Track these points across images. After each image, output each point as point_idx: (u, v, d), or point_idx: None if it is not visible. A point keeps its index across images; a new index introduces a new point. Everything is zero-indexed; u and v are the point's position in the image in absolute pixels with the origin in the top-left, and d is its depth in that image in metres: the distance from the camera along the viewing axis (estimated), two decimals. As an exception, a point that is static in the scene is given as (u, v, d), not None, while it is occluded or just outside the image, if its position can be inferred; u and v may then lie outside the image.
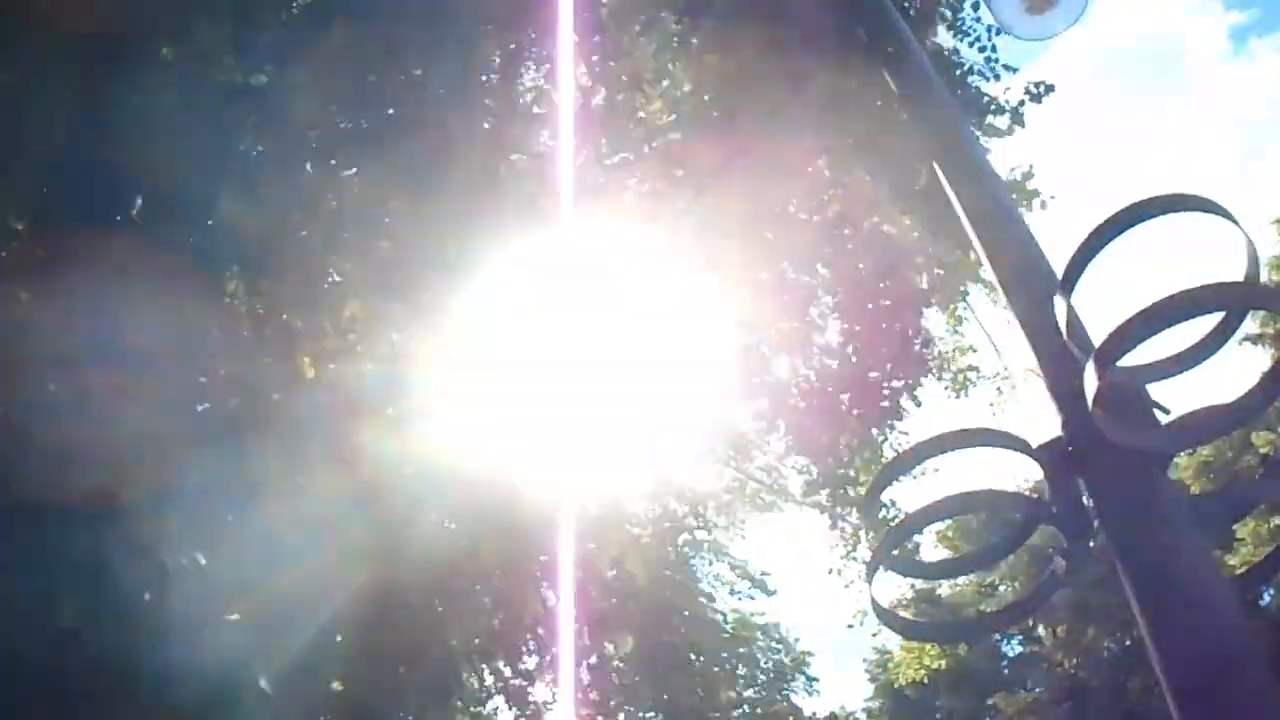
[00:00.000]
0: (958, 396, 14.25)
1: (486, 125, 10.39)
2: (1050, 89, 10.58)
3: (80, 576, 4.79)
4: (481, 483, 6.52)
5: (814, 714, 18.45)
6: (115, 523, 5.40)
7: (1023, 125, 10.41)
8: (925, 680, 32.43)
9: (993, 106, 10.38)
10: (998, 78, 10.57)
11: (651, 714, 13.90)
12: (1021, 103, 10.43)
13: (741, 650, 15.28)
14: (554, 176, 11.80)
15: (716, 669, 14.38)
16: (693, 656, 13.97)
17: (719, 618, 15.57)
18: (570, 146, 12.03)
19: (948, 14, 10.53)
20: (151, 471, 5.82)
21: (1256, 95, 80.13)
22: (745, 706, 14.92)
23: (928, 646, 22.54)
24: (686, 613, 14.14)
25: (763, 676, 15.16)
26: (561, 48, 11.18)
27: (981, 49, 10.40)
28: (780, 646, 15.80)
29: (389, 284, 7.54)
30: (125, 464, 5.39)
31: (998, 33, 10.46)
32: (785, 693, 15.38)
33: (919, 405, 11.76)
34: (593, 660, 13.25)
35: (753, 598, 16.84)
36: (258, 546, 6.34)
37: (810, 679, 15.78)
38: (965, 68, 10.51)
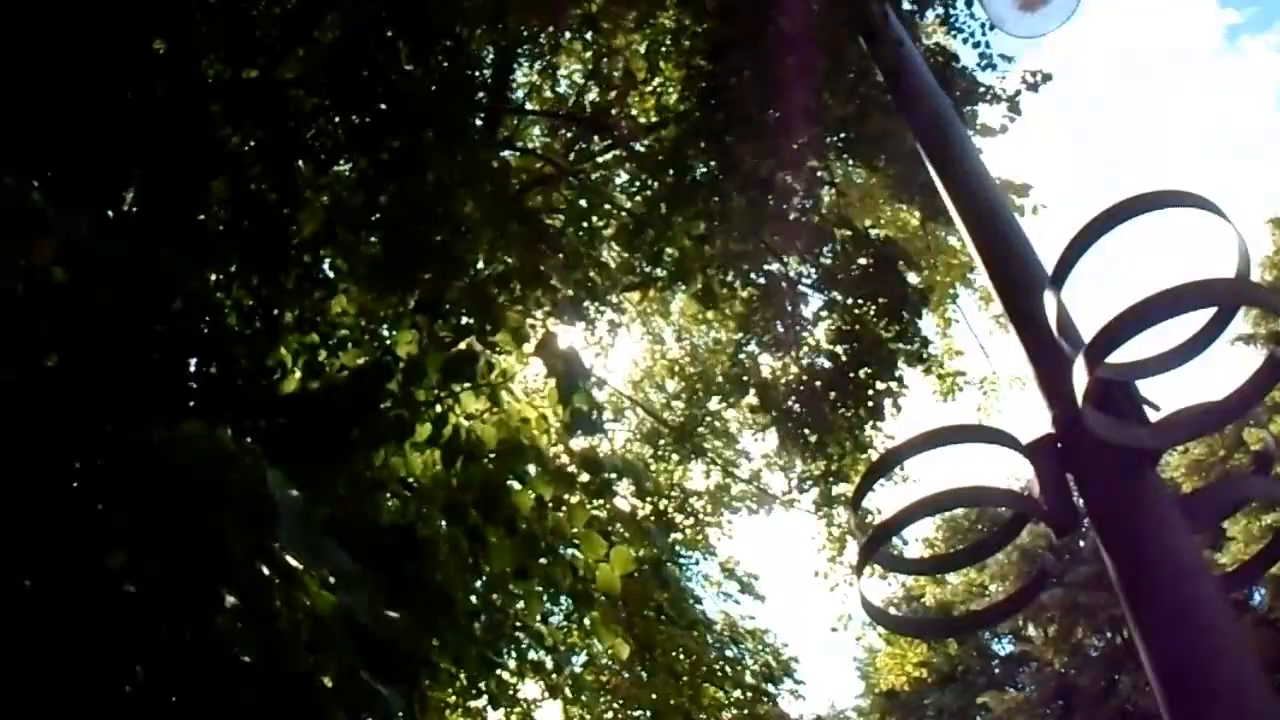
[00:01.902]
0: (946, 399, 14.30)
1: (479, 121, 10.38)
2: (1048, 78, 10.50)
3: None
4: (485, 487, 6.49)
5: (800, 716, 18.42)
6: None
7: (1019, 114, 10.36)
8: (914, 680, 32.52)
9: (989, 96, 10.31)
10: (994, 67, 10.51)
11: (639, 712, 13.88)
12: (1018, 92, 10.37)
13: (729, 653, 15.25)
14: (547, 173, 11.82)
15: (704, 669, 14.35)
16: (680, 656, 13.95)
17: (707, 618, 15.56)
18: (560, 142, 12.02)
19: (941, 10, 10.49)
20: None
21: (1250, 93, 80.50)
22: (732, 709, 14.88)
23: (910, 652, 22.66)
24: (675, 612, 14.12)
25: (750, 679, 15.12)
26: (555, 44, 11.19)
27: (975, 44, 10.37)
28: (768, 650, 15.76)
29: (379, 279, 7.52)
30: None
31: (991, 28, 10.42)
32: (772, 696, 15.34)
33: (901, 408, 11.74)
34: (582, 658, 13.24)
35: (738, 602, 16.84)
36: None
37: (797, 682, 15.74)
38: (964, 54, 10.44)
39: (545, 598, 7.48)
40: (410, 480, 6.60)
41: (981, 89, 10.31)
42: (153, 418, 4.08)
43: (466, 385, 6.60)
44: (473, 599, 6.62)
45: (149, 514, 3.75)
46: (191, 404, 5.82)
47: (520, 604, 7.14)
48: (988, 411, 15.01)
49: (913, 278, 11.89)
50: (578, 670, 11.78)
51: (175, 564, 3.75)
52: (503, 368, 7.53)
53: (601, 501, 7.74)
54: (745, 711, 14.93)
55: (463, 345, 6.68)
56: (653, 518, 14.32)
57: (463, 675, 7.24)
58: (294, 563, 3.80)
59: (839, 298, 11.36)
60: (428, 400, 6.53)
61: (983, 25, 10.32)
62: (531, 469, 6.52)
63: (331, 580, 3.83)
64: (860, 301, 11.12)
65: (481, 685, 7.77)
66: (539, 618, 7.83)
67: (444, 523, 6.28)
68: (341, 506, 5.78)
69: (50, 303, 4.14)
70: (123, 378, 4.55)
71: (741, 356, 12.77)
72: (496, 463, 6.37)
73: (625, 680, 13.80)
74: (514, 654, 8.22)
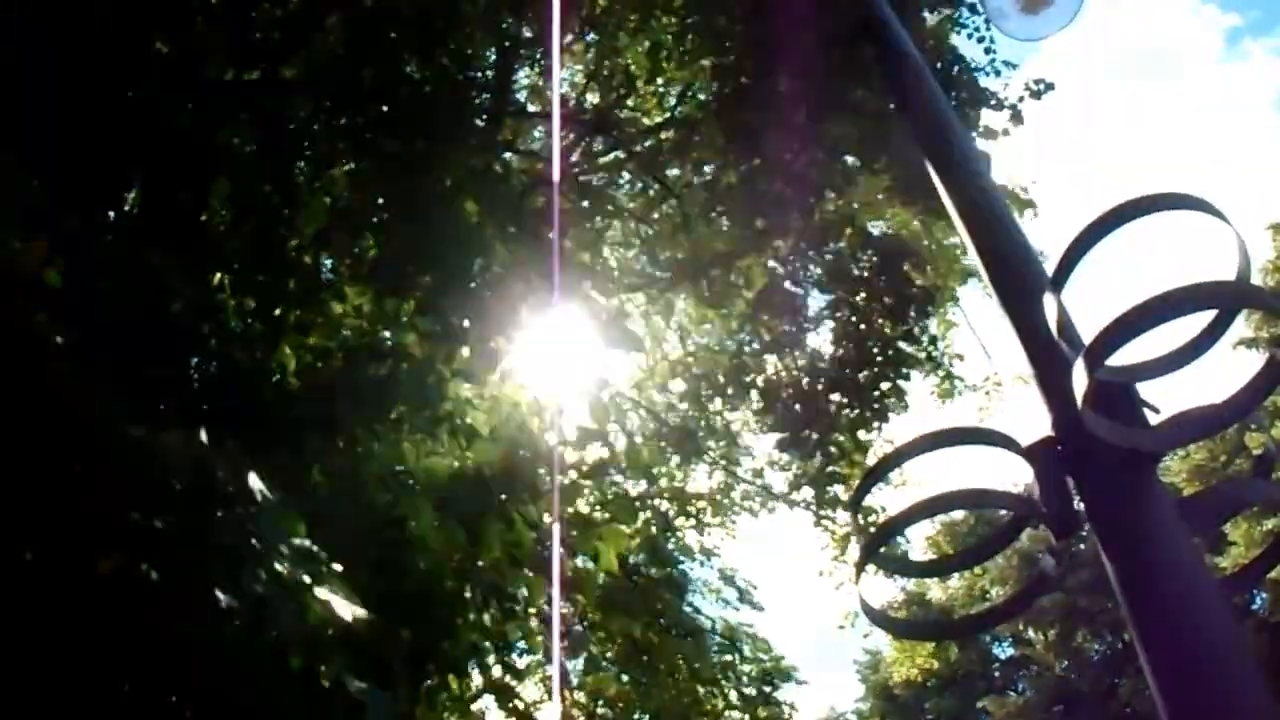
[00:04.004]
0: (945, 400, 14.28)
1: (480, 122, 10.38)
2: (1050, 87, 10.57)
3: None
4: (479, 478, 6.46)
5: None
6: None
7: (1022, 123, 10.39)
8: (916, 682, 32.46)
9: (993, 102, 10.34)
10: (998, 74, 10.55)
11: (638, 716, 13.86)
12: (1021, 99, 10.41)
13: (728, 658, 15.21)
14: (546, 173, 11.82)
15: (703, 674, 14.31)
16: (679, 660, 13.91)
17: (707, 623, 15.52)
18: (562, 144, 12.01)
19: (945, 9, 10.51)
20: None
21: (1251, 96, 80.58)
22: (732, 712, 14.85)
23: (920, 646, 22.56)
24: (675, 616, 14.09)
25: (749, 687, 15.08)
26: (555, 46, 11.19)
27: (980, 40, 10.37)
28: (767, 657, 15.71)
29: (380, 280, 7.51)
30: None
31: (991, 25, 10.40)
32: (770, 702, 15.31)
33: (906, 407, 11.73)
34: (581, 660, 13.23)
35: (737, 609, 16.78)
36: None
37: (790, 704, 15.68)
38: (968, 58, 10.44)
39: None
40: (401, 470, 6.55)
41: (987, 93, 10.34)
42: (138, 420, 4.07)
43: (457, 369, 6.57)
44: (465, 592, 6.57)
45: (143, 516, 3.74)
46: (190, 403, 5.81)
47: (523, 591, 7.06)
48: (990, 412, 15.00)
49: (919, 279, 11.88)
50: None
51: (171, 566, 3.75)
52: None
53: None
54: (745, 717, 14.90)
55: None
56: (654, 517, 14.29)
57: (455, 680, 7.20)
58: (280, 568, 3.79)
59: (845, 296, 11.35)
60: (416, 376, 6.48)
61: (987, 21, 10.31)
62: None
63: (309, 582, 3.81)
64: (866, 300, 11.13)
65: (480, 683, 7.73)
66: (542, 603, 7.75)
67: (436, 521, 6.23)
68: (329, 497, 5.75)
69: (48, 302, 4.14)
70: (119, 378, 4.55)
71: (745, 355, 12.77)
72: (491, 447, 6.32)
73: (624, 682, 13.78)
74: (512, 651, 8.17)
